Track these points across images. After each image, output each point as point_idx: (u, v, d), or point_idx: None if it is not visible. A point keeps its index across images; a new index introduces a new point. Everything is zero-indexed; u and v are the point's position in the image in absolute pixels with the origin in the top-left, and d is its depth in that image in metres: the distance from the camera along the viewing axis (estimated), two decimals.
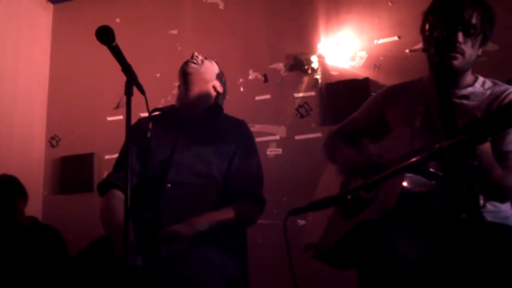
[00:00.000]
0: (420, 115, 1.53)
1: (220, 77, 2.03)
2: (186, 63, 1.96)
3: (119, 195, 1.76)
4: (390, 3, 3.23)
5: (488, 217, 1.35)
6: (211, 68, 1.99)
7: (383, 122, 1.67)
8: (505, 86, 1.52)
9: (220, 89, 2.01)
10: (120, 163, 1.88)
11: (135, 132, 1.86)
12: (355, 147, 1.73)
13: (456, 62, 1.46)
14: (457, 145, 0.89)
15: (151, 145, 1.85)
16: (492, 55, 1.59)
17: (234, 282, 1.59)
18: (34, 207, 3.20)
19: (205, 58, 1.99)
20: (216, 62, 2.04)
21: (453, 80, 1.52)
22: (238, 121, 1.99)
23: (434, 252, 1.26)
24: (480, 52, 1.52)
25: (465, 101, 1.50)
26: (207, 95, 1.97)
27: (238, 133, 1.93)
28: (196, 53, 1.98)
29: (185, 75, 1.94)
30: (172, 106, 2.04)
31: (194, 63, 1.94)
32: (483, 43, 1.50)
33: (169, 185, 1.74)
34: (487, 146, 1.31)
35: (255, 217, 1.85)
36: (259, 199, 1.85)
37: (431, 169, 1.12)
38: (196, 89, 1.93)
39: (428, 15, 1.53)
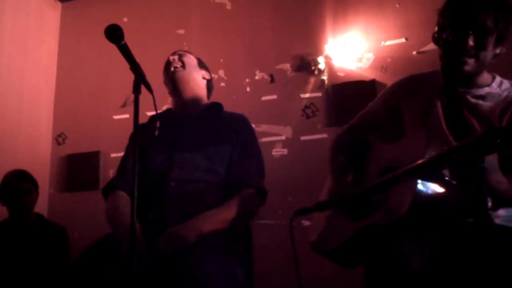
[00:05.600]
0: (439, 116, 1.47)
1: (201, 64, 2.05)
2: (170, 71, 1.93)
3: (124, 195, 1.77)
4: (397, 5, 3.23)
5: (498, 221, 1.32)
6: (192, 64, 1.99)
7: (397, 114, 1.62)
8: None
9: (207, 75, 2.05)
10: (123, 167, 1.90)
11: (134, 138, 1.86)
12: (360, 147, 1.71)
13: (467, 67, 1.42)
14: (466, 148, 0.88)
15: (152, 144, 1.86)
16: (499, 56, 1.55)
17: (240, 282, 1.59)
18: (40, 205, 3.18)
19: (180, 56, 1.98)
20: (189, 52, 2.03)
21: (468, 80, 1.48)
22: (237, 115, 1.99)
23: (443, 258, 1.23)
24: (498, 50, 1.44)
25: (481, 102, 1.46)
26: (201, 91, 2.01)
27: (238, 126, 1.93)
28: (171, 57, 1.97)
29: (175, 84, 1.93)
30: (169, 109, 2.04)
31: (177, 67, 1.93)
32: (499, 42, 1.42)
33: (173, 183, 1.74)
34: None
35: (256, 208, 1.84)
36: (259, 189, 1.83)
37: (446, 178, 1.10)
38: (189, 92, 1.95)
39: (439, 16, 1.47)
